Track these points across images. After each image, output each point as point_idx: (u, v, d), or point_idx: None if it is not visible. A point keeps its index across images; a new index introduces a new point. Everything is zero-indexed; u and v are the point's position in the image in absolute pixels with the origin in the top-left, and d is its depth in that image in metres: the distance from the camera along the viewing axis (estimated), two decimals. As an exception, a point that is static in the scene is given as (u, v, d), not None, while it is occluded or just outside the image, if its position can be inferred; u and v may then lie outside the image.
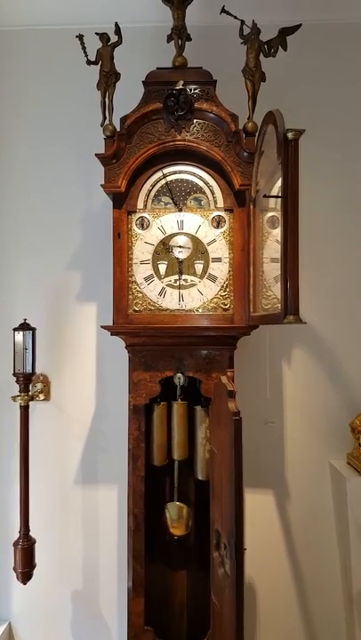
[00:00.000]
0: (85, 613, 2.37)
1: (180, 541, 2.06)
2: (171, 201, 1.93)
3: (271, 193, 1.65)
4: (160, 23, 2.11)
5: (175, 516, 2.04)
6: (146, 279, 1.92)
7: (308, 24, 1.96)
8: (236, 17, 1.84)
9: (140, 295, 1.92)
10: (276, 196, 1.55)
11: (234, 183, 1.84)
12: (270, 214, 1.77)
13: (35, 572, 2.02)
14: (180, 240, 1.92)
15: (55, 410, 2.38)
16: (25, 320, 2.05)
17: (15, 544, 1.99)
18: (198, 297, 1.91)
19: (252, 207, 1.83)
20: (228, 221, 1.91)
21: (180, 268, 1.92)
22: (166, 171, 1.93)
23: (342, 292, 2.35)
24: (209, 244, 1.92)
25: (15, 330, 2.02)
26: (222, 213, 1.92)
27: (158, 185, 1.93)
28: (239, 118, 1.83)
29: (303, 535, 2.33)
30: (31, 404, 2.05)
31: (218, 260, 1.91)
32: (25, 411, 2.02)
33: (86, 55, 1.86)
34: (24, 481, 2.01)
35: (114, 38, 1.87)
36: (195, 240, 1.92)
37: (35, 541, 2.02)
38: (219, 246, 1.91)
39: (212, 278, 1.91)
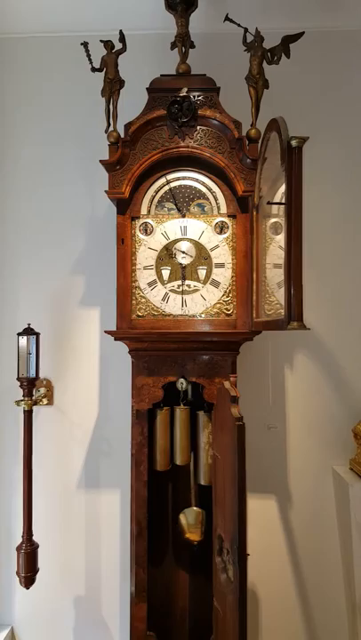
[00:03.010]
0: (88, 618, 2.37)
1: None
2: (174, 207, 1.94)
3: (274, 199, 1.67)
4: (164, 30, 2.13)
5: (193, 521, 2.04)
6: (149, 284, 1.93)
7: (311, 31, 1.97)
8: (239, 25, 1.86)
9: (143, 300, 1.93)
10: (281, 203, 1.56)
11: (237, 189, 1.85)
12: (273, 220, 1.78)
13: (37, 576, 2.02)
14: (184, 246, 1.93)
15: (58, 414, 2.39)
16: (29, 325, 2.06)
17: (18, 548, 1.99)
18: (201, 302, 1.92)
19: (255, 213, 1.84)
20: (231, 227, 1.92)
21: (183, 273, 1.93)
22: (170, 177, 1.94)
23: (345, 297, 2.36)
24: (212, 249, 1.92)
25: (19, 334, 2.03)
26: (225, 219, 1.93)
27: (162, 191, 1.94)
28: (242, 125, 1.85)
29: (306, 541, 2.33)
30: (35, 408, 2.06)
31: (221, 265, 1.92)
32: (28, 415, 2.02)
33: (91, 62, 1.88)
34: (27, 485, 2.01)
35: (118, 45, 1.89)
36: (198, 246, 1.93)
37: (37, 546, 2.02)
38: (222, 252, 1.92)
39: (215, 284, 1.92)
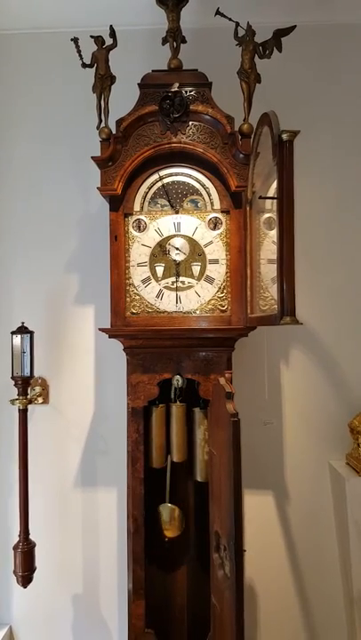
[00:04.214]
0: (86, 616, 2.37)
1: (173, 543, 2.06)
2: (167, 203, 1.93)
3: (267, 194, 1.66)
4: (155, 26, 2.11)
5: (167, 517, 2.04)
6: (143, 281, 1.92)
7: (302, 25, 1.95)
8: (230, 19, 1.84)
9: (137, 297, 1.92)
10: (272, 198, 1.56)
11: (230, 185, 1.84)
12: (267, 215, 1.77)
13: (35, 575, 2.01)
14: (177, 242, 1.92)
15: (54, 413, 2.38)
16: (23, 323, 2.04)
17: (15, 547, 1.99)
18: (196, 299, 1.91)
19: (248, 209, 1.83)
20: (224, 223, 1.92)
21: (177, 270, 1.92)
22: (162, 173, 1.93)
23: (340, 292, 2.36)
24: (206, 245, 1.92)
25: (13, 333, 2.01)
26: (219, 215, 1.92)
27: (155, 187, 1.93)
28: (235, 120, 1.84)
29: (303, 536, 2.33)
30: (30, 407, 2.05)
31: (215, 261, 1.91)
32: (23, 414, 2.01)
33: (81, 58, 1.86)
34: (23, 484, 2.00)
35: (109, 41, 1.87)
36: (192, 242, 1.92)
37: (35, 545, 2.01)
38: (216, 248, 1.91)
39: (210, 280, 1.91)
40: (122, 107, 1.86)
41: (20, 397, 2.01)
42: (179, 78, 1.86)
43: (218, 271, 1.91)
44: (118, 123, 1.85)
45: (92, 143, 1.90)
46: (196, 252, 1.92)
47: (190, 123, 1.86)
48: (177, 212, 1.93)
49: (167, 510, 2.04)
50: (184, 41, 1.94)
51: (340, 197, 2.37)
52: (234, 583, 1.42)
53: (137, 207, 1.93)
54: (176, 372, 1.91)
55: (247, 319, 1.84)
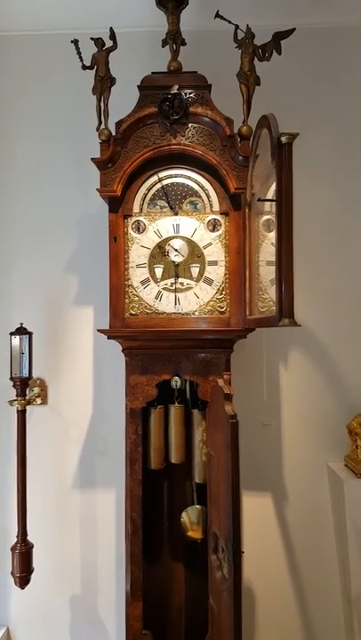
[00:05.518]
0: (84, 617, 2.37)
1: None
2: (167, 205, 1.94)
3: (267, 196, 1.66)
4: (155, 28, 2.11)
5: (195, 519, 2.03)
6: (142, 283, 1.92)
7: (301, 28, 1.96)
8: (230, 21, 1.85)
9: (136, 299, 1.93)
10: (271, 200, 1.56)
11: (229, 187, 1.85)
12: (266, 217, 1.77)
13: (33, 576, 2.01)
14: (176, 244, 1.93)
15: (52, 414, 2.38)
16: (21, 324, 2.04)
17: (13, 549, 1.98)
18: (195, 300, 1.91)
19: (247, 210, 1.84)
20: (223, 225, 1.92)
21: (176, 271, 1.92)
22: (162, 175, 1.93)
23: (338, 294, 2.36)
24: (205, 247, 1.92)
25: (12, 334, 2.01)
26: (218, 217, 1.92)
27: (154, 189, 1.94)
28: (234, 122, 1.84)
29: (301, 537, 2.33)
30: (28, 408, 2.05)
31: (214, 263, 1.92)
32: (22, 415, 2.01)
33: (82, 60, 1.87)
34: (21, 485, 2.00)
35: (109, 43, 1.88)
36: (191, 243, 1.92)
37: (32, 546, 2.01)
38: (215, 249, 1.92)
39: (209, 281, 1.91)
40: (122, 108, 1.86)
41: (19, 398, 2.01)
42: (178, 80, 1.87)
43: (217, 273, 1.91)
44: (118, 124, 1.85)
45: (92, 145, 1.90)
46: (195, 253, 1.92)
47: (190, 125, 1.86)
48: (176, 214, 1.93)
49: (195, 512, 2.04)
50: (184, 43, 1.94)
51: (338, 199, 2.38)
52: (232, 585, 1.42)
53: (136, 209, 1.93)
54: (175, 374, 1.91)
55: (246, 320, 1.84)
